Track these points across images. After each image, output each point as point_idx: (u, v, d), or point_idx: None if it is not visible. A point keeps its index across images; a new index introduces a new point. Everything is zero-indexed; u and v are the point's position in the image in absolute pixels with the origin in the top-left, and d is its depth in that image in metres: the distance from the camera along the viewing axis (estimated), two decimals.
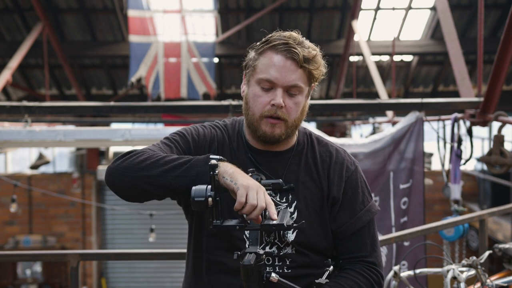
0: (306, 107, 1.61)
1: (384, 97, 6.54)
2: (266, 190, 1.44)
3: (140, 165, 1.45)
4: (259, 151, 1.62)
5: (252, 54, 1.59)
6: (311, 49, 1.54)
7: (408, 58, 10.83)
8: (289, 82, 1.52)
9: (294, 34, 1.55)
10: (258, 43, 1.58)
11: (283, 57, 1.51)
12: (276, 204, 1.56)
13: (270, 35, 1.57)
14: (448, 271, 2.62)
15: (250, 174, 1.42)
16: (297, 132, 1.66)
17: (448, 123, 4.15)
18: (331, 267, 1.48)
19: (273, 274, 1.38)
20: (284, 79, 1.51)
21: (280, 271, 1.55)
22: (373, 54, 9.70)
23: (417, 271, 2.76)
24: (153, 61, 8.68)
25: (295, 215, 1.57)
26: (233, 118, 1.72)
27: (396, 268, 2.77)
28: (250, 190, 1.36)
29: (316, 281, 1.47)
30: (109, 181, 1.50)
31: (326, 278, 1.49)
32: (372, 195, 1.69)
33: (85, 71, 11.00)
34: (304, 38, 1.56)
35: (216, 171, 1.38)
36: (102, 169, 10.16)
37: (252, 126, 1.58)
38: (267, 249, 1.56)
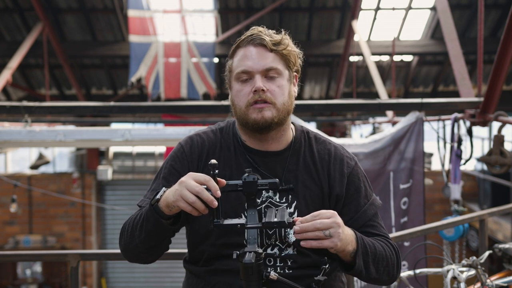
0: (293, 92, 1.62)
1: (384, 97, 6.54)
2: (263, 190, 1.44)
3: (125, 243, 1.56)
4: (257, 151, 1.61)
5: (228, 61, 1.63)
6: (277, 35, 1.58)
7: (408, 58, 10.83)
8: (263, 66, 1.54)
9: (258, 27, 1.60)
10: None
11: (252, 46, 1.55)
12: (276, 205, 1.56)
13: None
14: (448, 271, 2.63)
15: (247, 174, 1.42)
16: (294, 130, 1.66)
17: (448, 123, 4.15)
18: (327, 264, 1.49)
19: (272, 272, 1.38)
20: (258, 64, 1.54)
21: (282, 271, 1.55)
22: (373, 54, 9.69)
23: (417, 271, 2.76)
24: (153, 61, 8.68)
25: (295, 215, 1.57)
26: (227, 121, 1.72)
27: None
28: (182, 194, 1.37)
29: (315, 278, 1.47)
30: (127, 260, 1.64)
31: (323, 276, 1.49)
32: (373, 193, 1.70)
33: (85, 71, 11.01)
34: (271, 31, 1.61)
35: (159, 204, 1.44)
36: (102, 169, 10.16)
37: (242, 120, 1.57)
38: (269, 251, 1.56)
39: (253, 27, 1.60)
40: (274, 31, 1.61)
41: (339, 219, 1.40)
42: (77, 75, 10.73)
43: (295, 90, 1.63)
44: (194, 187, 1.36)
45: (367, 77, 10.57)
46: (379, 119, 8.39)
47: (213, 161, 1.39)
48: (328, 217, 1.39)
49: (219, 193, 1.36)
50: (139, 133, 4.46)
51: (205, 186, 1.37)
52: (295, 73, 1.63)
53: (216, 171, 1.38)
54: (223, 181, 1.41)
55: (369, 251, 1.49)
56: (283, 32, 1.60)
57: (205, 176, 1.39)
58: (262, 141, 1.60)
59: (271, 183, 1.42)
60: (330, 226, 1.38)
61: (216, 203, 1.36)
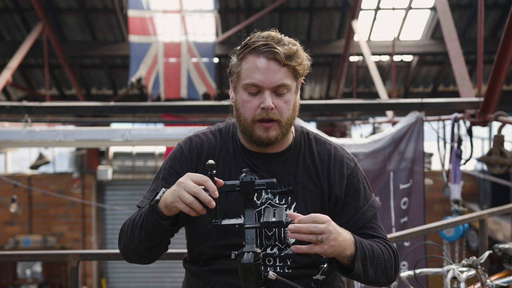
0: (297, 103, 1.59)
1: (384, 97, 6.54)
2: (261, 190, 1.44)
3: (124, 243, 1.56)
4: (255, 153, 1.61)
5: (234, 60, 1.57)
6: (291, 45, 1.52)
7: (408, 58, 10.84)
8: (275, 82, 1.50)
9: (272, 33, 1.54)
10: (238, 48, 1.56)
11: (265, 58, 1.50)
12: (276, 207, 1.56)
13: (248, 37, 1.56)
14: (448, 271, 2.62)
15: (244, 174, 1.42)
16: (293, 131, 1.65)
17: (448, 123, 4.15)
18: (326, 264, 1.49)
19: (270, 272, 1.38)
20: (269, 80, 1.50)
21: (281, 271, 1.55)
22: (373, 54, 9.70)
23: (417, 271, 2.76)
24: (153, 61, 8.68)
25: None
26: (226, 121, 1.71)
27: None
28: (180, 195, 1.37)
29: (314, 277, 1.47)
30: (126, 260, 1.65)
31: (321, 275, 1.50)
32: (373, 195, 1.70)
33: (85, 71, 11.01)
34: (283, 35, 1.55)
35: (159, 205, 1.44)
36: (102, 169, 10.16)
37: (246, 131, 1.56)
38: (268, 251, 1.56)
39: (268, 34, 1.53)
40: (287, 39, 1.53)
41: (332, 227, 1.39)
42: (77, 75, 10.73)
43: (298, 97, 1.61)
44: (192, 188, 1.36)
45: (367, 77, 10.57)
46: (379, 119, 8.39)
47: (211, 161, 1.39)
48: (323, 222, 1.38)
49: (217, 194, 1.36)
50: (139, 133, 4.46)
51: (203, 187, 1.37)
52: (300, 79, 1.59)
53: (214, 171, 1.38)
54: (221, 181, 1.41)
55: (368, 254, 1.49)
56: (298, 42, 1.55)
57: (202, 176, 1.38)
58: (262, 147, 1.60)
59: (268, 183, 1.41)
60: (323, 232, 1.37)
61: (214, 203, 1.36)
